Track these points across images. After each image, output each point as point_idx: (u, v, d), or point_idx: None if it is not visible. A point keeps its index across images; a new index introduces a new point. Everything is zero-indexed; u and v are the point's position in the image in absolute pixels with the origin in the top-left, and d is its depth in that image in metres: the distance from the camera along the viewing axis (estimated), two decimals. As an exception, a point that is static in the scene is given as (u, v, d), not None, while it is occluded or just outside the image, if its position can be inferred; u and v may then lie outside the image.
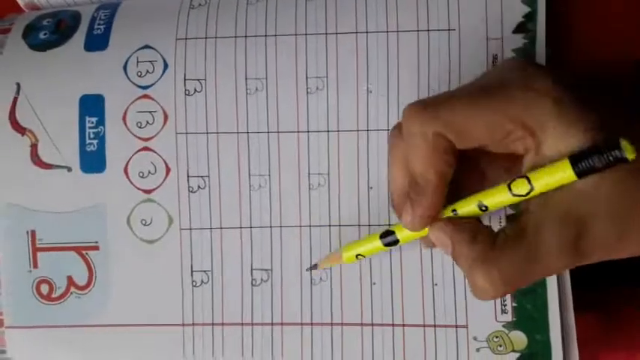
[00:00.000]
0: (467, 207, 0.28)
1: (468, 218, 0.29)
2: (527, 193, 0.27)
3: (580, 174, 0.25)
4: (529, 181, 0.26)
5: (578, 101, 0.26)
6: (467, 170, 0.29)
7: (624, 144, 0.24)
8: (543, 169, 0.26)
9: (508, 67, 0.28)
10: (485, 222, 0.33)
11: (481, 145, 0.27)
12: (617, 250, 0.27)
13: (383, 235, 0.31)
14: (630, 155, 0.24)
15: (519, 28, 0.34)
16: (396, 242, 0.31)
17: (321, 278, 0.35)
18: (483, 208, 0.28)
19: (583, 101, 0.26)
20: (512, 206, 0.33)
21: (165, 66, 0.36)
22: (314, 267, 0.34)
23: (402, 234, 0.31)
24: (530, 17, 0.34)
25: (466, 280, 0.31)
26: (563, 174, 0.25)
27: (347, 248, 0.33)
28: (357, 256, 0.33)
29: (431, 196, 0.28)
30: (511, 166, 0.29)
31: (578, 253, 0.26)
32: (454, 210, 0.29)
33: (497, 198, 0.27)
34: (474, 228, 0.28)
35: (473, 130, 0.27)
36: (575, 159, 0.25)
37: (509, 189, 0.27)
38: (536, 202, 0.27)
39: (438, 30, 0.34)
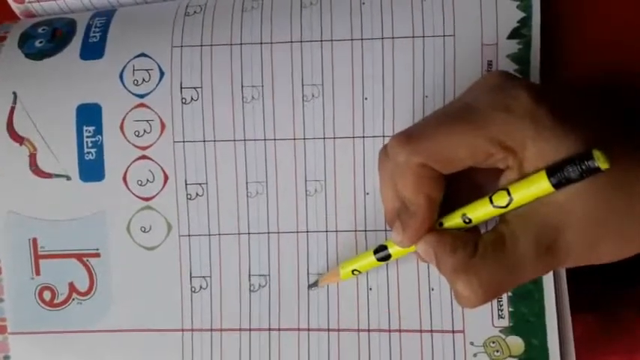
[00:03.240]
0: (452, 220, 0.29)
1: (452, 229, 0.29)
2: (507, 205, 0.27)
3: (556, 185, 0.25)
4: (509, 193, 0.27)
5: (559, 117, 0.26)
6: (462, 182, 0.29)
7: (597, 154, 0.24)
8: (522, 181, 0.27)
9: (487, 86, 0.28)
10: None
11: (465, 167, 0.28)
12: (590, 258, 0.28)
13: (376, 251, 0.32)
14: (603, 165, 0.24)
15: (514, 34, 0.33)
16: (388, 257, 0.31)
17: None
18: (467, 221, 0.28)
19: (565, 116, 0.26)
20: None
21: (162, 74, 0.36)
22: (314, 285, 0.35)
23: (394, 249, 0.31)
24: (525, 22, 0.33)
25: None
26: (540, 185, 0.26)
27: (344, 265, 0.33)
28: (353, 271, 0.33)
29: (420, 218, 0.28)
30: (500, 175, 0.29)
31: (551, 260, 0.27)
32: (440, 222, 0.29)
33: (480, 210, 0.28)
34: (456, 238, 0.28)
35: (456, 156, 0.27)
36: (551, 171, 0.26)
37: (491, 201, 0.27)
38: (514, 213, 0.27)
39: (433, 36, 0.34)
